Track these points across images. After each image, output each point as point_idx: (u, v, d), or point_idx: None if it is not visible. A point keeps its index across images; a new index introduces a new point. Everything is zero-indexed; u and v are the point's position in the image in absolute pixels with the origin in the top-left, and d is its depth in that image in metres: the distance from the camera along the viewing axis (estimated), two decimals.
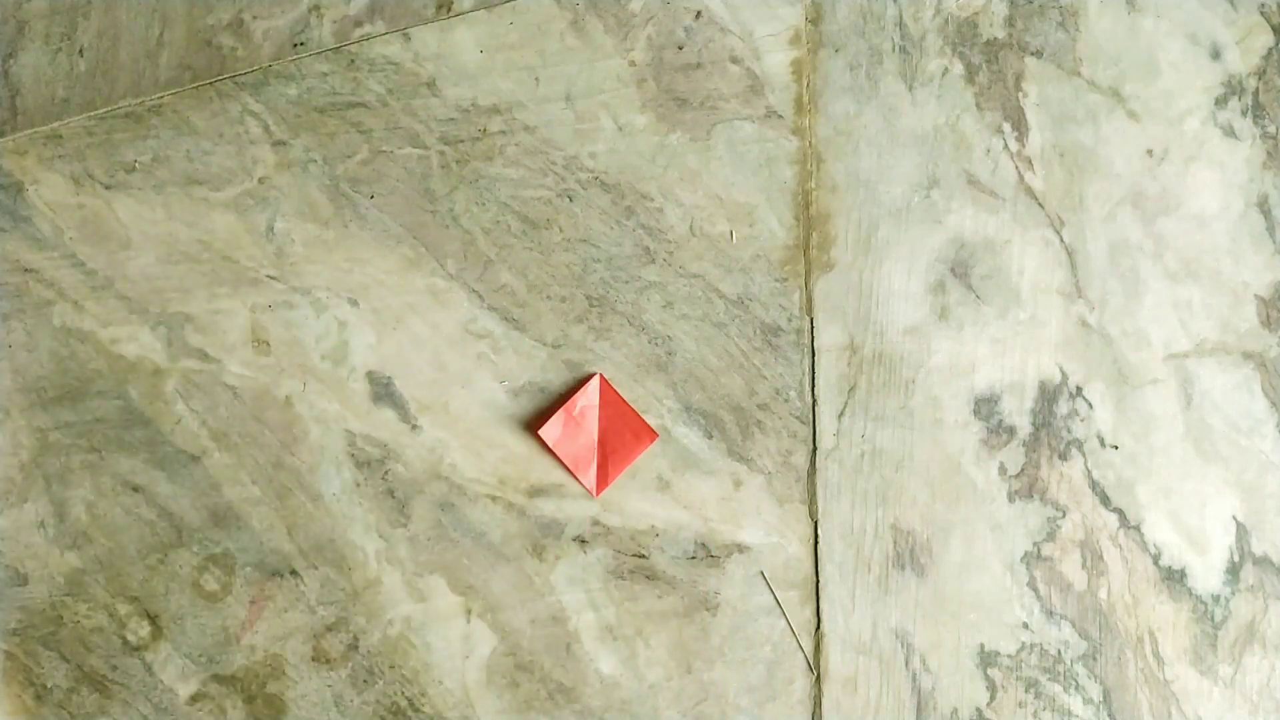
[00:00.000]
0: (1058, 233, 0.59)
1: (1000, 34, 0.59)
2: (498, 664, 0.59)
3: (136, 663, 0.60)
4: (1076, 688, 0.58)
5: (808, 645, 0.58)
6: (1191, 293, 0.58)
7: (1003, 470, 0.58)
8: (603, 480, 0.59)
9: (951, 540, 0.58)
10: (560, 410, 0.59)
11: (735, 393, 0.59)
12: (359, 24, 0.60)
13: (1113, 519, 0.58)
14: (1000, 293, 0.59)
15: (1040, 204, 0.59)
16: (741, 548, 0.59)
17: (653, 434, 0.59)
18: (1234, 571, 0.58)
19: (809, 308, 0.59)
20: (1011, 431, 0.58)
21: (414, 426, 0.60)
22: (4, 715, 0.60)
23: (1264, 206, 0.58)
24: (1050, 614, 0.58)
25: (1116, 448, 0.58)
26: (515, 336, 0.60)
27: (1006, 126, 0.59)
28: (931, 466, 0.58)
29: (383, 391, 0.60)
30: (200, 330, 0.60)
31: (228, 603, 0.60)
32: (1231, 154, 0.59)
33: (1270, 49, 0.59)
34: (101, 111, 0.61)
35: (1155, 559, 0.58)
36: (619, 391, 0.59)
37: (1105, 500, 0.58)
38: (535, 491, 0.60)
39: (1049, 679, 0.58)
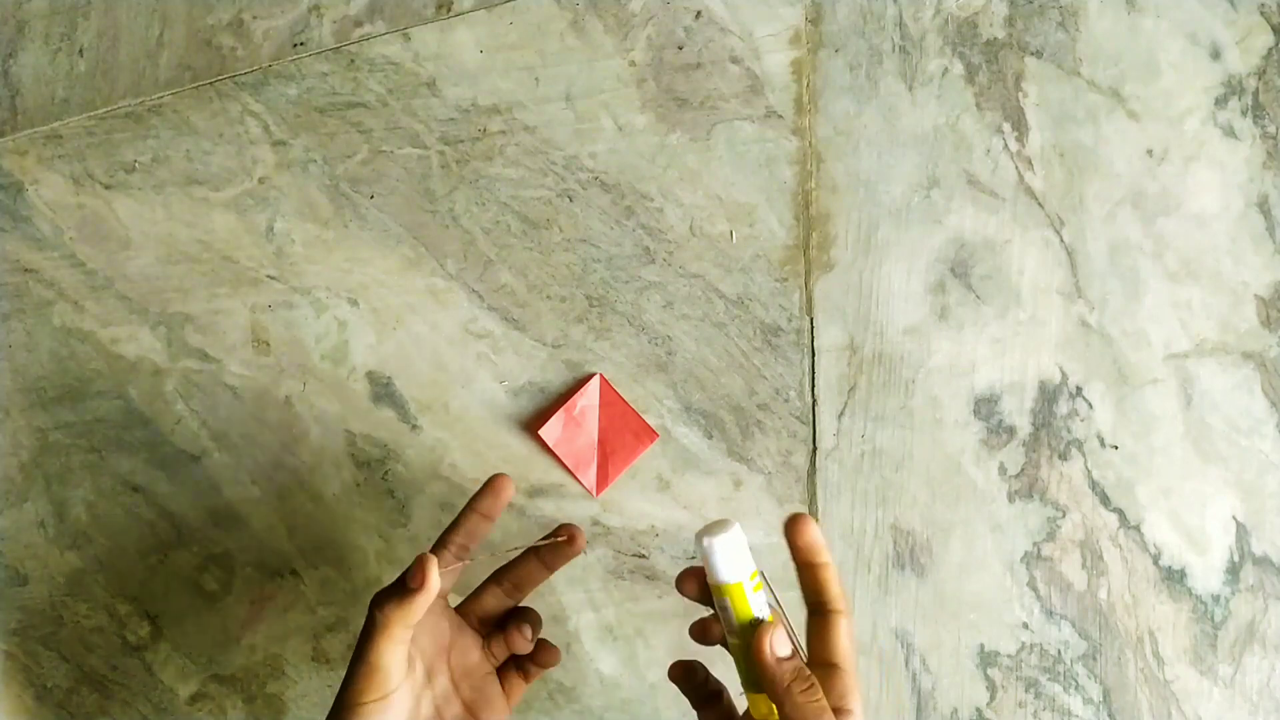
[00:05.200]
0: (1058, 233, 0.59)
1: (1000, 34, 0.59)
2: None
3: (136, 663, 0.60)
4: (1076, 688, 0.58)
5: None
6: (1191, 293, 0.58)
7: (1003, 470, 0.58)
8: (603, 480, 0.59)
9: (951, 540, 0.58)
10: (560, 410, 0.59)
11: (735, 393, 0.59)
12: (359, 24, 0.60)
13: (1113, 519, 0.58)
14: (1000, 293, 0.59)
15: (1040, 204, 0.59)
16: None
17: (653, 434, 0.59)
18: (1234, 571, 0.58)
19: (809, 308, 0.59)
20: (1011, 431, 0.58)
21: (414, 426, 0.60)
22: (4, 715, 0.60)
23: (1264, 206, 0.58)
24: (1050, 614, 0.58)
25: (1116, 448, 0.58)
26: (515, 336, 0.60)
27: (1006, 126, 0.59)
28: (931, 466, 0.58)
29: (383, 391, 0.60)
30: (200, 330, 0.60)
31: (228, 603, 0.60)
32: (1231, 154, 0.58)
33: (1270, 49, 0.59)
34: (101, 111, 0.61)
35: (1155, 559, 0.58)
36: (619, 391, 0.59)
37: (1105, 500, 0.58)
38: (535, 491, 0.60)
39: (1049, 679, 0.58)
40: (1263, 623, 0.57)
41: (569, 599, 0.59)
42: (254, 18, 0.61)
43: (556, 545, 0.46)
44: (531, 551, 0.47)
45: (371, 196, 0.60)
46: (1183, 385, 0.58)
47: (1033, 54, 0.59)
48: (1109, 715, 0.57)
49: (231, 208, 0.60)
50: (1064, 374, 0.58)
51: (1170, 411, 0.58)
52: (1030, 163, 0.59)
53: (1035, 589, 0.58)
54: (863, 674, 0.58)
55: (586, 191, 0.60)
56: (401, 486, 0.60)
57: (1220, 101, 0.59)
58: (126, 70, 0.61)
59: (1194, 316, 0.58)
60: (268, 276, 0.60)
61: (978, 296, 0.59)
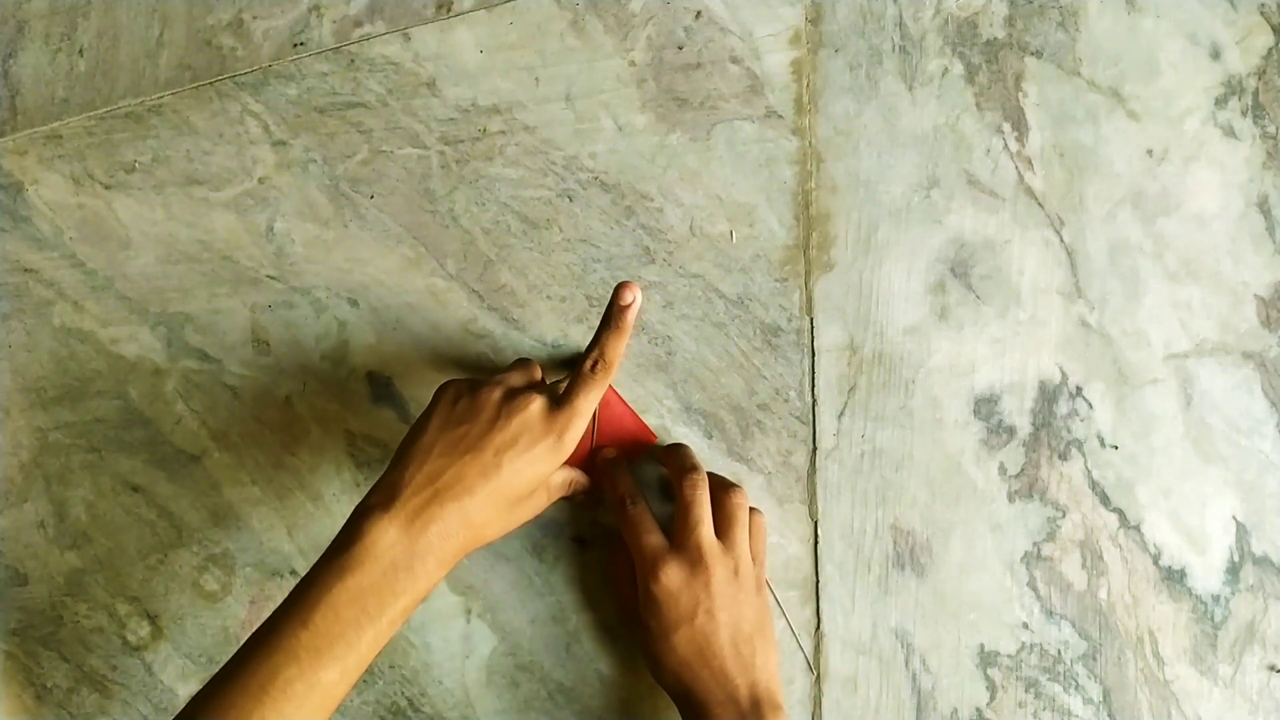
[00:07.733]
0: (1058, 233, 0.59)
1: (1000, 34, 0.59)
2: (498, 664, 0.59)
3: (136, 663, 0.60)
4: (1076, 688, 0.58)
5: (808, 645, 0.58)
6: (1191, 293, 0.58)
7: (1003, 470, 0.58)
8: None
9: (951, 540, 0.58)
10: None
11: (735, 393, 0.59)
12: (359, 24, 0.60)
13: (1113, 519, 0.58)
14: (1000, 293, 0.59)
15: (1040, 204, 0.59)
16: None
17: (651, 436, 0.59)
18: (1234, 571, 0.58)
19: (809, 308, 0.59)
20: (1011, 431, 0.58)
21: None
22: (4, 715, 0.60)
23: (1264, 206, 0.58)
24: (1050, 614, 0.58)
25: (1116, 448, 0.58)
26: (515, 336, 0.60)
27: (1006, 126, 0.59)
28: (931, 466, 0.58)
29: (383, 391, 0.60)
30: (200, 330, 0.60)
31: (228, 603, 0.60)
32: (1231, 154, 0.59)
33: (1270, 49, 0.59)
34: (101, 111, 0.61)
35: (1155, 559, 0.58)
36: (619, 392, 0.59)
37: (1105, 500, 0.58)
38: None
39: (1049, 679, 0.58)
40: (1263, 623, 0.57)
41: (569, 599, 0.59)
42: (254, 18, 0.61)
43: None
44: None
45: (371, 196, 0.60)
46: (1183, 385, 0.58)
47: (1033, 54, 0.59)
48: (1109, 715, 0.57)
49: (231, 208, 0.60)
50: (1064, 374, 0.58)
51: (1170, 411, 0.58)
52: (1030, 163, 0.59)
53: (1035, 589, 0.58)
54: (863, 674, 0.58)
55: (586, 191, 0.60)
56: None
57: (1220, 101, 0.59)
58: (126, 70, 0.61)
59: (1194, 316, 0.58)
60: (268, 276, 0.60)
61: (978, 296, 0.59)
